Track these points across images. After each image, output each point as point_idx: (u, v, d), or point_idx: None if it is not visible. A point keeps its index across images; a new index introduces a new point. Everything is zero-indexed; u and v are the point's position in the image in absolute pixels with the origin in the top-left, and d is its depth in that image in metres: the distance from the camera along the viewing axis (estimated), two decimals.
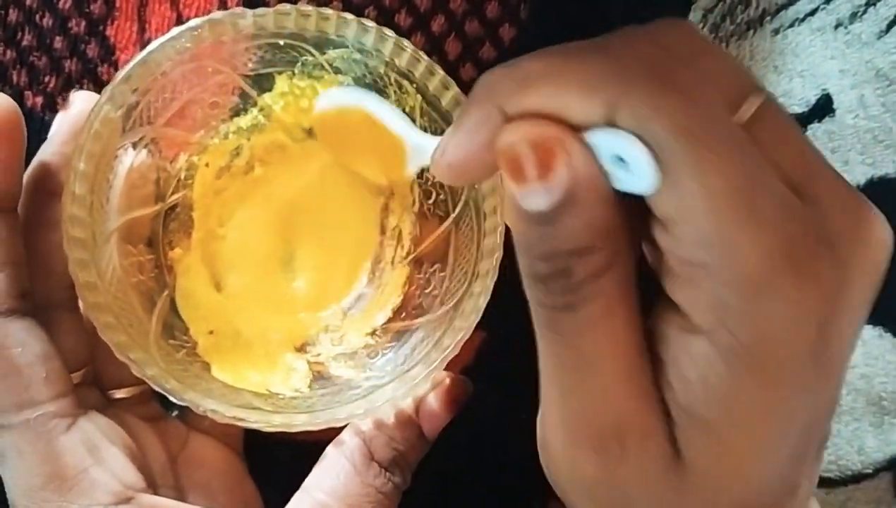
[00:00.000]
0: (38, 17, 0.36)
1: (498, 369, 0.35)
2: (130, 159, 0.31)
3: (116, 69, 0.36)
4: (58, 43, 0.36)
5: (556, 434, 0.21)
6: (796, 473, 0.21)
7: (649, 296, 0.21)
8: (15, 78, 0.36)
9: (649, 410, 0.20)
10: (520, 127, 0.19)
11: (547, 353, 0.21)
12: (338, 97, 0.31)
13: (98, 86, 0.36)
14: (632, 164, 0.19)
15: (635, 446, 0.20)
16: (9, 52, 0.36)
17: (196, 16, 0.36)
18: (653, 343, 0.21)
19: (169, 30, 0.36)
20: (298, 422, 0.29)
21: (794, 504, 0.22)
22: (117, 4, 0.36)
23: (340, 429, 0.31)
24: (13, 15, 0.36)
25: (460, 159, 0.21)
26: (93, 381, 0.31)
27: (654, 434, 0.20)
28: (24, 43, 0.36)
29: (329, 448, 0.32)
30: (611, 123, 0.19)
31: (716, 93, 0.20)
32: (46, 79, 0.36)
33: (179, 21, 0.36)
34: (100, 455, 0.28)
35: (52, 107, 0.36)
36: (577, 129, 0.19)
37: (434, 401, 0.31)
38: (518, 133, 0.19)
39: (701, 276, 0.19)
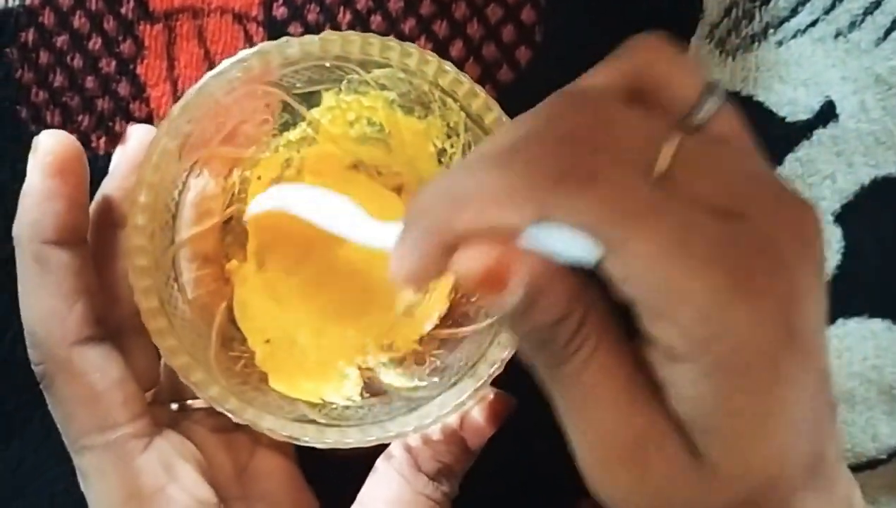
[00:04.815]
0: (68, 58, 0.37)
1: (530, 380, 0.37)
2: (188, 182, 0.32)
3: (148, 105, 0.37)
4: (89, 83, 0.37)
5: (588, 461, 0.24)
6: (816, 443, 0.23)
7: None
8: (49, 118, 0.37)
9: (659, 421, 0.22)
10: (469, 256, 0.22)
11: (557, 401, 0.24)
12: (268, 201, 0.33)
13: (131, 122, 0.37)
14: (574, 245, 0.21)
15: (655, 453, 0.22)
16: (42, 94, 0.37)
17: (223, 51, 0.37)
18: (648, 369, 0.23)
19: (197, 65, 0.37)
20: (350, 440, 0.30)
21: (826, 468, 0.24)
22: (146, 43, 0.37)
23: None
24: (44, 57, 0.37)
25: (413, 273, 0.23)
26: (168, 397, 0.32)
27: (670, 441, 0.22)
28: (57, 84, 0.37)
29: (379, 462, 0.33)
30: (544, 220, 0.21)
31: (627, 159, 0.21)
32: (80, 118, 0.37)
33: (207, 56, 0.37)
34: (175, 473, 0.30)
35: (87, 145, 0.37)
36: (516, 231, 0.22)
37: (479, 416, 0.33)
38: (469, 262, 0.22)
39: (665, 315, 0.21)
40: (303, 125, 0.34)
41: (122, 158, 0.31)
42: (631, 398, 0.23)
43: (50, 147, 0.29)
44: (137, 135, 0.31)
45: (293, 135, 0.34)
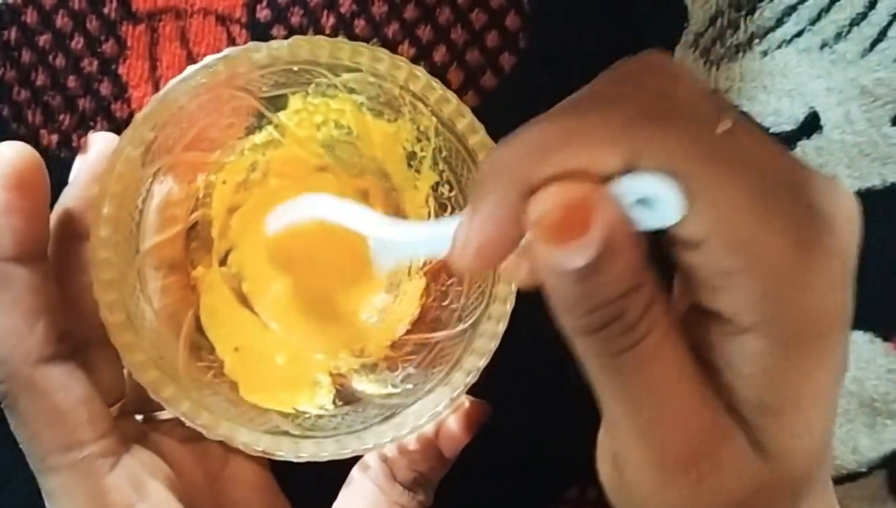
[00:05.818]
0: (51, 57, 0.37)
1: (507, 385, 0.37)
2: (153, 189, 0.32)
3: (129, 106, 0.37)
4: (71, 82, 0.37)
5: (641, 469, 0.22)
6: (834, 424, 0.23)
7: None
8: (30, 117, 0.37)
9: (723, 417, 0.22)
10: (550, 193, 0.20)
11: (613, 397, 0.22)
12: (288, 214, 0.32)
13: (112, 122, 0.37)
14: (657, 201, 0.21)
15: (726, 455, 0.22)
16: (23, 92, 0.37)
17: (206, 52, 0.37)
18: (698, 352, 0.22)
19: (180, 66, 0.37)
20: (326, 452, 0.30)
21: (826, 465, 0.24)
22: (129, 43, 0.37)
23: None
24: (26, 56, 0.37)
25: (488, 243, 0.21)
26: (134, 408, 0.32)
27: (737, 438, 0.22)
28: (38, 83, 0.37)
29: (354, 472, 0.33)
30: (630, 169, 0.21)
31: (703, 112, 0.22)
32: (61, 117, 0.37)
33: (190, 58, 0.37)
34: (144, 491, 0.29)
35: (68, 144, 0.37)
36: (600, 182, 0.21)
37: (454, 425, 0.33)
38: (550, 199, 0.20)
39: (736, 280, 0.21)
40: (269, 128, 0.33)
41: (83, 167, 0.31)
42: (699, 392, 0.22)
43: (9, 159, 0.28)
44: (98, 144, 0.31)
45: (259, 138, 0.34)
